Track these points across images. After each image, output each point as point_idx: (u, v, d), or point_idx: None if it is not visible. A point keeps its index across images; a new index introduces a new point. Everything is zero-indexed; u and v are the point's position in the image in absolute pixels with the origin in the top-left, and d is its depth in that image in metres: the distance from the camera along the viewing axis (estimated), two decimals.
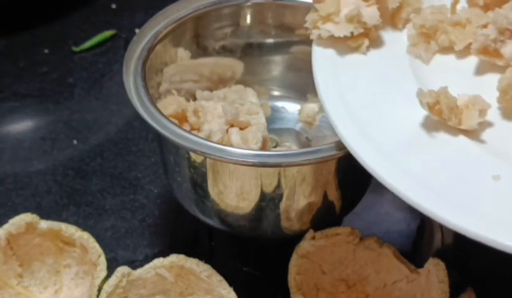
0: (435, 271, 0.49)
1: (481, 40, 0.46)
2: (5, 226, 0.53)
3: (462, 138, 0.43)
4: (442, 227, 0.50)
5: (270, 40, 0.60)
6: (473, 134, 0.43)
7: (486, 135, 0.43)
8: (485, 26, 0.47)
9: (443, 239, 0.50)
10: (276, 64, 0.61)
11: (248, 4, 0.59)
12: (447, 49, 0.49)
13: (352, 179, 0.52)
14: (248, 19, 0.59)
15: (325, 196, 0.51)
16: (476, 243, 0.52)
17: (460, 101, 0.43)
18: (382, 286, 0.52)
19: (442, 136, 0.43)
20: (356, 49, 0.48)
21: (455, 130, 0.43)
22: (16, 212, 0.54)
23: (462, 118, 0.43)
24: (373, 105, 0.45)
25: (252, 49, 0.60)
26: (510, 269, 0.55)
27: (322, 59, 0.48)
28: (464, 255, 0.53)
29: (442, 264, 0.49)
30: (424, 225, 0.51)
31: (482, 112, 0.43)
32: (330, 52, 0.48)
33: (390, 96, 0.46)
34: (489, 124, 0.44)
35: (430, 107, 0.43)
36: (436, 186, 0.40)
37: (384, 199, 0.61)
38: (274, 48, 0.60)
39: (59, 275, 0.54)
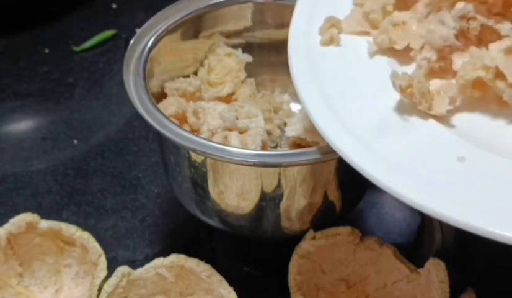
0: (435, 271, 0.49)
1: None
2: (6, 225, 0.53)
3: (432, 121, 0.43)
4: (442, 227, 0.50)
5: (271, 40, 0.59)
6: (443, 119, 0.43)
7: (455, 119, 0.44)
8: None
9: (443, 239, 0.50)
10: (277, 65, 0.61)
11: (249, 3, 0.59)
12: None
13: (352, 179, 0.52)
14: (249, 19, 0.59)
15: (325, 196, 0.51)
16: (476, 243, 0.52)
17: (432, 86, 0.43)
18: (382, 286, 0.52)
19: (414, 120, 0.43)
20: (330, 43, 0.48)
21: (426, 114, 0.43)
22: (16, 212, 0.54)
23: (433, 103, 0.43)
24: (347, 91, 0.45)
25: (253, 49, 0.60)
26: (510, 269, 0.55)
27: (297, 50, 0.48)
28: (464, 255, 0.53)
29: (442, 264, 0.49)
30: (424, 225, 0.51)
31: (452, 100, 0.43)
32: (304, 44, 0.49)
33: (364, 82, 0.46)
34: (458, 109, 0.44)
35: (402, 90, 0.43)
36: (406, 168, 0.40)
37: (384, 199, 0.61)
38: (275, 48, 0.60)
39: (60, 275, 0.54)
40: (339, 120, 0.43)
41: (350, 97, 0.45)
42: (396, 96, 0.44)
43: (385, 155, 0.41)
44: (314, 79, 0.46)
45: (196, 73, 0.59)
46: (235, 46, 0.59)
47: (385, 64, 0.47)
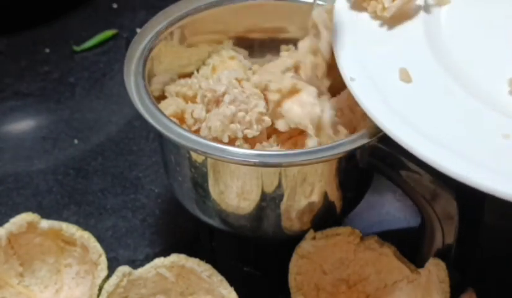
0: (436, 271, 0.49)
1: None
2: (6, 225, 0.53)
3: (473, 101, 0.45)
4: (443, 227, 0.50)
5: (271, 40, 0.59)
6: None
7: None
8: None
9: (444, 239, 0.50)
10: None
11: (249, 3, 0.59)
12: None
13: (353, 179, 0.52)
14: (249, 19, 0.59)
15: (326, 196, 0.51)
16: (476, 242, 0.52)
17: None
18: (382, 286, 0.52)
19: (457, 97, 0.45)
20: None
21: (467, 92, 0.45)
22: (17, 211, 0.54)
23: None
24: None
25: (253, 49, 0.60)
26: (510, 269, 0.55)
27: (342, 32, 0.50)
28: (465, 255, 0.53)
29: (442, 264, 0.49)
30: (424, 225, 0.51)
31: None
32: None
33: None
34: None
35: None
36: (453, 145, 0.42)
37: (384, 199, 0.61)
38: (276, 48, 0.60)
39: (60, 275, 0.54)
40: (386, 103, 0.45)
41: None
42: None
43: (431, 133, 0.43)
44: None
45: (197, 72, 0.59)
46: (234, 44, 0.59)
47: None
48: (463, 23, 0.51)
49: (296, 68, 0.54)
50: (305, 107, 0.49)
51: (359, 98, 0.46)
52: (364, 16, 0.51)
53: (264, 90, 0.52)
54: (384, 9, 0.50)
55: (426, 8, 0.51)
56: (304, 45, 0.53)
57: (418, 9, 0.51)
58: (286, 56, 0.56)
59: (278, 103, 0.50)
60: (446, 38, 0.50)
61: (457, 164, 0.41)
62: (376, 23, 0.51)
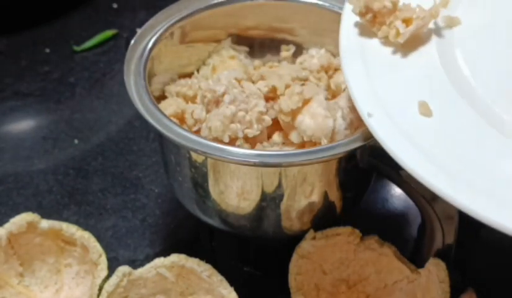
0: (436, 271, 0.49)
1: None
2: (6, 225, 0.53)
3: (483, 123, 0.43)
4: (443, 227, 0.50)
5: (271, 40, 0.59)
6: None
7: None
8: None
9: (444, 239, 0.50)
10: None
11: (250, 3, 0.59)
12: None
13: (353, 179, 0.52)
14: (250, 19, 0.59)
15: (326, 196, 0.51)
16: (476, 243, 0.52)
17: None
18: (382, 286, 0.52)
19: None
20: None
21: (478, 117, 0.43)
22: (17, 211, 0.54)
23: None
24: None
25: (253, 49, 0.60)
26: (510, 269, 0.55)
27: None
28: (465, 255, 0.53)
29: (442, 264, 0.49)
30: (425, 225, 0.51)
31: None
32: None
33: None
34: None
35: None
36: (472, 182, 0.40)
37: (384, 199, 0.61)
38: (276, 48, 0.60)
39: (60, 275, 0.54)
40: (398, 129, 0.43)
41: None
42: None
43: (458, 172, 0.40)
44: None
45: (197, 72, 0.59)
46: (234, 44, 0.59)
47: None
48: (479, 45, 0.48)
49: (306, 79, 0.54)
50: (317, 118, 0.49)
51: (379, 136, 0.43)
52: (374, 42, 0.48)
53: (270, 94, 0.52)
54: (398, 34, 0.47)
55: (437, 31, 0.48)
56: (318, 61, 0.53)
57: (429, 33, 0.48)
58: (300, 65, 0.56)
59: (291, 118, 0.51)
60: (462, 63, 0.47)
61: (486, 205, 0.38)
62: (388, 49, 0.48)
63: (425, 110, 0.44)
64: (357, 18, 0.49)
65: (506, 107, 0.44)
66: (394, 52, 0.47)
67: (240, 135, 0.50)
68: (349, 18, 0.50)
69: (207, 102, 0.51)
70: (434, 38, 0.48)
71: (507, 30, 0.48)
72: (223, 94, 0.51)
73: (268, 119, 0.51)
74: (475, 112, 0.43)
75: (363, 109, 0.44)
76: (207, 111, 0.51)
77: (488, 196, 0.39)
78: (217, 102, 0.51)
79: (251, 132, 0.50)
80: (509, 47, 0.47)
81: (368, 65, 0.47)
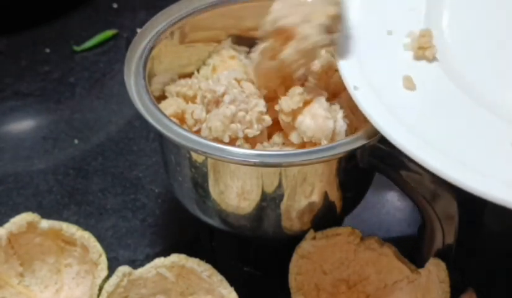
0: (436, 271, 0.49)
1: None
2: (7, 225, 0.53)
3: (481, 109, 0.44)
4: (443, 227, 0.50)
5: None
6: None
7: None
8: None
9: (444, 239, 0.50)
10: None
11: (250, 3, 0.59)
12: None
13: (353, 179, 0.52)
14: (250, 19, 0.59)
15: (326, 196, 0.51)
16: (476, 243, 0.52)
17: None
18: (382, 286, 0.52)
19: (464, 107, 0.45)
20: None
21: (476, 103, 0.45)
22: (17, 211, 0.54)
23: None
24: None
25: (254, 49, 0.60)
26: (511, 269, 0.55)
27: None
28: (465, 255, 0.53)
29: (443, 264, 0.49)
30: (425, 225, 0.51)
31: None
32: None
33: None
34: None
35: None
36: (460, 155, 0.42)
37: (384, 199, 0.61)
38: None
39: (60, 275, 0.54)
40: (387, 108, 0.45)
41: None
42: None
43: (438, 142, 0.42)
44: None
45: (197, 72, 0.59)
46: (233, 43, 0.59)
47: None
48: (468, 29, 0.50)
49: (305, 78, 0.54)
50: (318, 119, 0.49)
51: (364, 108, 0.45)
52: (365, 20, 0.50)
53: (270, 95, 0.52)
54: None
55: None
56: (319, 62, 0.54)
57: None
58: None
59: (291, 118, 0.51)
60: (451, 45, 0.49)
61: (464, 173, 0.40)
62: (375, 27, 0.50)
63: (409, 83, 0.46)
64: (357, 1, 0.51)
65: (490, 85, 0.46)
66: (383, 30, 0.50)
67: (241, 135, 0.50)
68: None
69: (207, 102, 0.51)
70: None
71: (500, 19, 0.50)
72: (223, 94, 0.51)
73: (268, 119, 0.51)
74: (458, 87, 0.46)
75: (350, 82, 0.47)
76: (207, 111, 0.51)
77: (468, 165, 0.41)
78: (217, 102, 0.51)
79: (251, 132, 0.50)
80: (498, 21, 0.50)
81: (358, 42, 0.49)
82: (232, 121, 0.50)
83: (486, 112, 0.44)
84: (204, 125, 0.51)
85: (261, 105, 0.50)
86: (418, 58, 0.48)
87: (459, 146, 0.42)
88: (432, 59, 0.48)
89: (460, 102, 0.45)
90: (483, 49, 0.49)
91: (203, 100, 0.51)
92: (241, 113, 0.50)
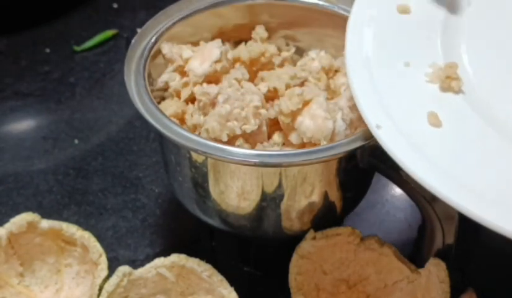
0: (436, 271, 0.49)
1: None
2: (7, 225, 0.53)
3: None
4: (443, 227, 0.50)
5: (272, 40, 0.59)
6: None
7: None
8: None
9: (444, 239, 0.50)
10: None
11: (250, 3, 0.59)
12: None
13: (353, 179, 0.52)
14: (250, 19, 0.59)
15: (326, 196, 0.51)
16: (476, 243, 0.52)
17: None
18: (382, 286, 0.52)
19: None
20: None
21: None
22: (17, 211, 0.54)
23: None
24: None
25: None
26: (511, 269, 0.55)
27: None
28: (465, 255, 0.53)
29: (443, 264, 0.49)
30: (425, 225, 0.51)
31: None
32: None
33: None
34: None
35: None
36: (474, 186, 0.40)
37: (384, 199, 0.61)
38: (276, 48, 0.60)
39: (60, 275, 0.54)
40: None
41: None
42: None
43: (466, 181, 0.40)
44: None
45: None
46: (235, 44, 0.59)
47: None
48: (488, 59, 0.48)
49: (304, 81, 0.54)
50: (317, 120, 0.49)
51: (388, 148, 0.42)
52: (381, 53, 0.48)
53: (271, 95, 0.52)
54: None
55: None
56: (319, 63, 0.53)
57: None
58: (300, 68, 0.56)
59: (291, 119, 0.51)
60: (472, 76, 0.47)
61: (494, 213, 0.39)
62: (394, 60, 0.47)
63: (434, 120, 0.43)
64: (363, 30, 0.49)
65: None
66: (400, 62, 0.47)
67: (238, 131, 0.50)
68: (354, 29, 0.49)
69: (203, 105, 0.51)
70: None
71: None
72: (217, 95, 0.51)
73: (265, 112, 0.51)
74: (484, 121, 0.44)
75: (371, 121, 0.44)
76: (204, 114, 0.51)
77: (496, 204, 0.39)
78: (213, 104, 0.51)
79: (249, 128, 0.50)
80: None
81: (374, 76, 0.46)
82: (228, 120, 0.50)
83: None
84: (202, 128, 0.51)
85: (257, 99, 0.50)
86: (443, 90, 0.45)
87: (486, 181, 0.40)
88: (459, 91, 0.45)
89: (486, 136, 0.43)
90: (505, 79, 0.47)
91: (199, 104, 0.51)
92: (236, 111, 0.50)
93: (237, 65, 0.55)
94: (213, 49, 0.54)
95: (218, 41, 0.56)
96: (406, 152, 0.42)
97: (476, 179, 0.40)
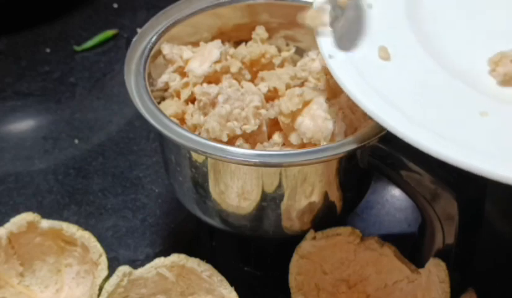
0: (436, 271, 0.49)
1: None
2: (7, 225, 0.53)
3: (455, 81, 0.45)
4: (443, 227, 0.50)
5: (272, 40, 0.59)
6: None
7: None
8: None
9: (444, 239, 0.50)
10: None
11: (250, 3, 0.59)
12: None
13: (353, 179, 0.52)
14: (250, 19, 0.59)
15: (326, 196, 0.51)
16: (477, 243, 0.52)
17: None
18: (382, 286, 0.52)
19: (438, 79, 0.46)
20: None
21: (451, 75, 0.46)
22: (17, 211, 0.54)
23: None
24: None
25: None
26: (511, 269, 0.55)
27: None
28: (465, 255, 0.53)
29: (443, 264, 0.49)
30: (425, 225, 0.51)
31: None
32: None
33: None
34: None
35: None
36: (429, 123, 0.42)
37: (384, 199, 0.61)
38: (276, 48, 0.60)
39: (60, 275, 0.54)
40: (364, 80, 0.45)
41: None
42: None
43: (408, 111, 0.43)
44: None
45: None
46: (235, 44, 0.59)
47: None
48: (444, 1, 0.51)
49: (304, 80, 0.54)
50: (317, 120, 0.49)
51: (336, 75, 0.46)
52: None
53: (271, 95, 0.52)
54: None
55: None
56: (320, 64, 0.54)
57: None
58: (300, 68, 0.56)
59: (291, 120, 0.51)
60: (426, 16, 0.49)
61: (434, 141, 0.41)
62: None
63: (384, 54, 0.46)
64: None
65: (464, 55, 0.47)
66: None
67: (238, 132, 0.50)
68: None
69: (203, 105, 0.51)
70: None
71: None
72: (217, 95, 0.51)
73: (265, 112, 0.51)
74: (432, 57, 0.46)
75: (325, 51, 0.47)
76: (205, 114, 0.51)
77: (437, 132, 0.41)
78: (213, 104, 0.51)
79: (249, 128, 0.50)
80: (473, 5, 0.50)
81: (338, 12, 0.50)
82: (228, 120, 0.50)
83: (459, 82, 0.45)
84: (202, 128, 0.51)
85: (257, 99, 0.51)
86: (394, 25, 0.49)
87: (429, 114, 0.42)
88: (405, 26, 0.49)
89: (432, 70, 0.45)
90: (460, 21, 0.49)
91: (199, 105, 0.51)
92: (236, 111, 0.50)
93: (237, 62, 0.55)
94: (213, 50, 0.54)
95: (218, 42, 0.56)
96: (355, 82, 0.45)
97: (418, 111, 0.43)
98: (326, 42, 0.48)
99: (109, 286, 0.50)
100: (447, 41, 0.48)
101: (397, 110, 0.42)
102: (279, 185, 0.49)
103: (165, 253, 0.52)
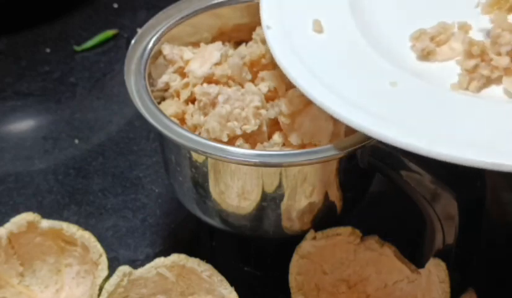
0: (436, 271, 0.49)
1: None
2: (7, 225, 0.53)
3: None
4: (443, 227, 0.50)
5: None
6: None
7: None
8: None
9: (444, 239, 0.50)
10: None
11: (250, 3, 0.59)
12: None
13: (353, 179, 0.52)
14: (250, 19, 0.59)
15: (326, 196, 0.51)
16: (477, 243, 0.52)
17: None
18: (382, 286, 0.52)
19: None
20: None
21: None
22: (17, 211, 0.54)
23: None
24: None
25: None
26: (510, 269, 0.55)
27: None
28: (465, 255, 0.53)
29: (443, 264, 0.49)
30: (425, 225, 0.51)
31: None
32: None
33: None
34: None
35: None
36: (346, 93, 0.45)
37: (384, 199, 0.61)
38: None
39: (61, 275, 0.54)
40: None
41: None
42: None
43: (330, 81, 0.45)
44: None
45: None
46: (235, 44, 0.59)
47: None
48: None
49: None
50: (317, 121, 0.49)
51: (271, 46, 0.48)
52: None
53: (271, 95, 0.52)
54: None
55: None
56: None
57: None
58: None
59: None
60: None
61: (346, 109, 0.43)
62: None
63: (318, 27, 0.49)
64: None
65: (390, 31, 0.50)
66: None
67: (239, 132, 0.50)
68: None
69: (203, 105, 0.51)
70: None
71: None
72: (217, 95, 0.51)
73: (265, 112, 0.51)
74: (360, 32, 0.49)
75: (264, 21, 0.51)
76: (205, 114, 0.51)
77: (350, 101, 0.44)
78: (213, 104, 0.51)
79: (249, 128, 0.50)
80: None
81: None
82: (228, 120, 0.50)
83: (376, 54, 0.47)
84: (203, 128, 0.51)
85: (257, 100, 0.51)
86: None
87: (347, 84, 0.45)
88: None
89: (357, 43, 0.48)
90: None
91: (199, 105, 0.51)
92: (237, 111, 0.50)
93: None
94: (213, 52, 0.54)
95: (219, 44, 0.56)
96: (284, 51, 0.48)
97: (338, 81, 0.46)
98: (265, 13, 0.51)
99: (109, 286, 0.50)
100: (379, 18, 0.51)
101: (316, 78, 0.45)
102: (279, 185, 0.49)
103: (165, 253, 0.52)
